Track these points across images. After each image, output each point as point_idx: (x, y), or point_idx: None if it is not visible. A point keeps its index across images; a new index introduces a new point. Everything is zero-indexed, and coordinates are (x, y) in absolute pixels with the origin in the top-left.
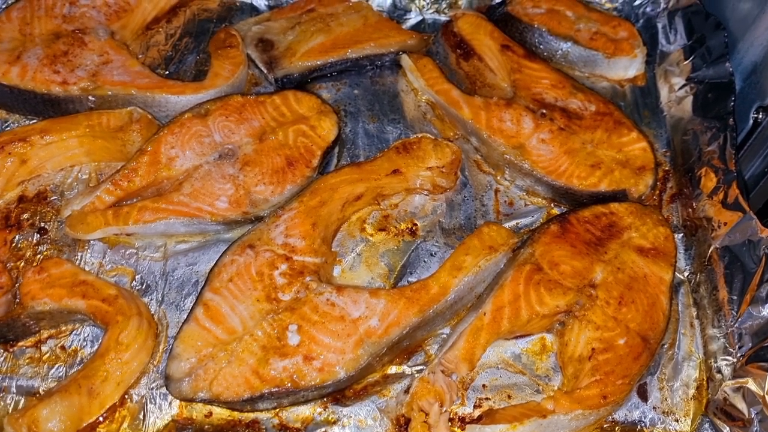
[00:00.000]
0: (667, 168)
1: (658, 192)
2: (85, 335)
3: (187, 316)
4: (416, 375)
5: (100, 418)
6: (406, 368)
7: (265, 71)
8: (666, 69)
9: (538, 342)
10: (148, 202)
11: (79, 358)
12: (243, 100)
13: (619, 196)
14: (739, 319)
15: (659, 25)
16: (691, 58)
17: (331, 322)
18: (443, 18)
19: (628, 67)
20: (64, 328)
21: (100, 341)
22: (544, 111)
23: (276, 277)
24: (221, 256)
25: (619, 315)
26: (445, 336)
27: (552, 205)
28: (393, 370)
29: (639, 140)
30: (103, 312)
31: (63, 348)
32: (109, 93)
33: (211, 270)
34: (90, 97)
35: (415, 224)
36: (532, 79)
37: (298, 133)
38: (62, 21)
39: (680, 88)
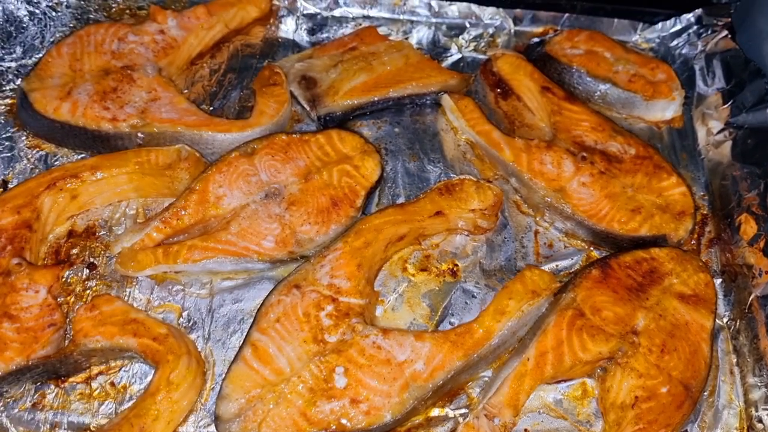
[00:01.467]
0: (705, 212)
1: (696, 236)
2: (134, 371)
3: (236, 356)
4: (459, 418)
5: None
6: (449, 411)
7: (308, 108)
8: (704, 112)
9: (579, 387)
10: (197, 240)
11: (128, 395)
12: (288, 139)
13: (659, 240)
14: None
15: (696, 67)
16: (729, 103)
17: (377, 365)
18: (482, 57)
19: (665, 109)
20: (113, 365)
21: (149, 378)
22: (585, 154)
23: (322, 318)
24: (268, 295)
25: (662, 363)
26: (487, 379)
27: (591, 248)
28: (436, 412)
29: (678, 185)
30: (154, 351)
31: (113, 384)
32: (157, 130)
33: (258, 310)
34: (139, 134)
35: (456, 265)
36: (572, 122)
37: (343, 173)
38: (111, 57)
39: (718, 132)
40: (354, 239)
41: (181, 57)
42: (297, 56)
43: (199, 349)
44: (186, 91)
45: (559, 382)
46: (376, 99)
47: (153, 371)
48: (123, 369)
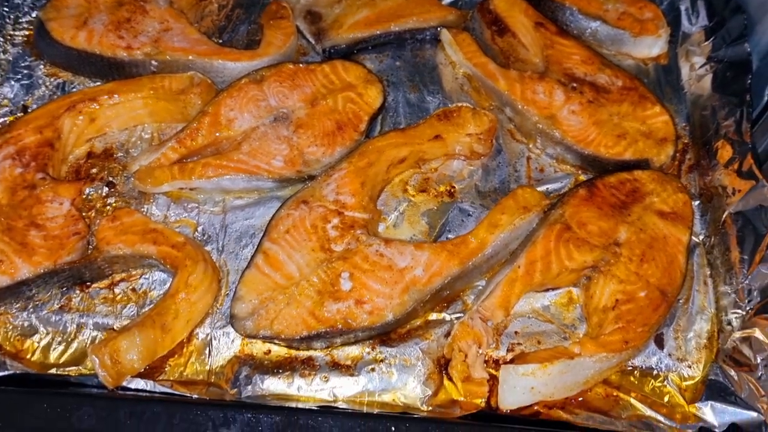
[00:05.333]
0: (686, 141)
1: (677, 163)
2: (154, 279)
3: (248, 263)
4: (455, 321)
5: (170, 352)
6: (446, 315)
7: (313, 42)
8: (688, 49)
9: (566, 295)
10: (211, 159)
11: (148, 299)
12: (295, 68)
13: (642, 164)
14: (749, 277)
15: (682, 7)
16: (711, 39)
17: (380, 270)
18: None
19: (652, 46)
20: (134, 272)
21: (168, 284)
22: (575, 85)
23: (329, 230)
24: (278, 210)
25: (641, 270)
26: (481, 288)
27: (579, 172)
28: (434, 316)
29: (662, 114)
30: (173, 257)
31: (134, 290)
32: (169, 58)
33: (269, 223)
34: (152, 62)
35: (453, 187)
36: (563, 55)
37: (347, 100)
38: None
39: (701, 67)
40: (358, 159)
41: None
42: None
43: (214, 260)
44: (196, 24)
45: (547, 290)
46: (378, 33)
47: (171, 278)
48: (143, 276)
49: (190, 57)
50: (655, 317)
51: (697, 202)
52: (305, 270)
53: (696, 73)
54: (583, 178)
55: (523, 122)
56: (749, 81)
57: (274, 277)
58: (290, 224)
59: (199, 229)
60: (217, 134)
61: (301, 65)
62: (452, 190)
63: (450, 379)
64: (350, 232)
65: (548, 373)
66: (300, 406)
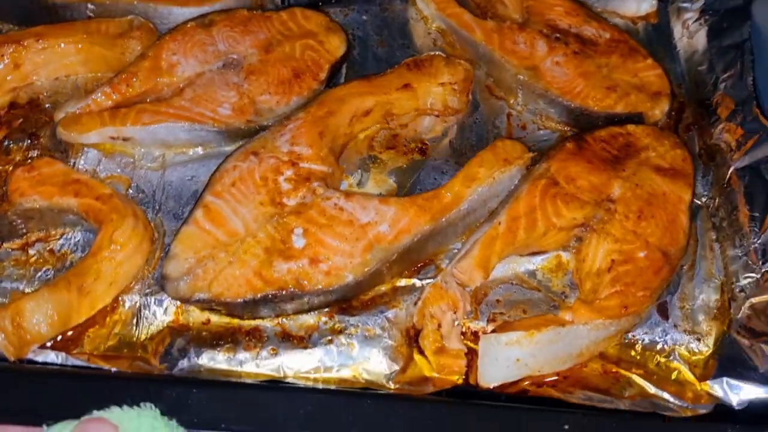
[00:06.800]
0: (682, 99)
1: (673, 123)
2: (76, 240)
3: (186, 218)
4: (427, 288)
5: (90, 321)
6: (416, 281)
7: None
8: (679, 6)
9: (554, 260)
10: (148, 104)
11: (68, 262)
12: (249, 14)
13: (635, 119)
14: (763, 235)
15: None
16: None
17: (339, 225)
18: None
19: (641, 2)
20: (53, 232)
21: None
22: (558, 35)
23: (281, 182)
24: (222, 162)
25: (639, 229)
26: (456, 251)
27: (566, 129)
28: (402, 282)
29: (654, 67)
30: (96, 210)
31: (52, 252)
32: (108, 2)
33: (212, 175)
34: (89, 5)
35: (425, 144)
36: (545, 6)
37: (306, 47)
38: None
39: (694, 22)
40: (317, 109)
41: None
42: None
43: (150, 220)
44: None
45: (532, 254)
46: None
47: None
48: (64, 237)
49: (133, 1)
50: (657, 281)
51: (697, 164)
52: (252, 226)
53: (689, 30)
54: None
55: (503, 76)
56: (749, 29)
57: (215, 234)
58: (236, 176)
59: (134, 185)
60: (158, 80)
61: (255, 12)
62: (424, 147)
63: (421, 351)
64: (305, 185)
65: (536, 341)
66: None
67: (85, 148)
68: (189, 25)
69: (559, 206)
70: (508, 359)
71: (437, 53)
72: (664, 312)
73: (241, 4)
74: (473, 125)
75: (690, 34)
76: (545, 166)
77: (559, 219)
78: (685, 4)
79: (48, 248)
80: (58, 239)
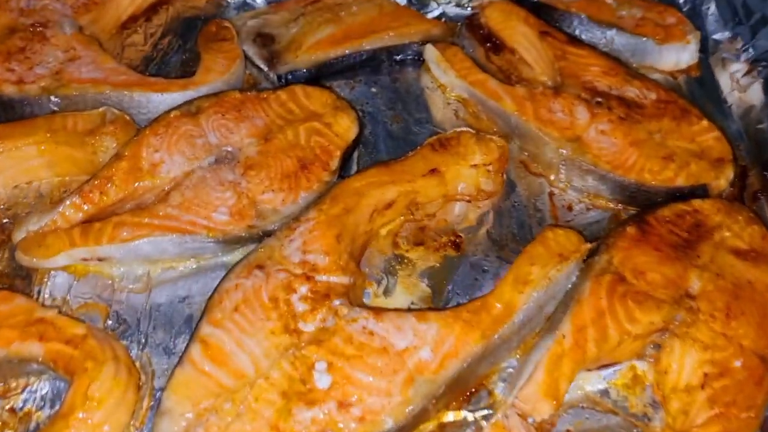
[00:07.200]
0: (743, 163)
1: (737, 191)
2: (43, 392)
3: (180, 359)
4: (481, 421)
5: None
6: (467, 414)
7: (266, 69)
8: (722, 56)
9: (628, 372)
10: (127, 216)
11: (33, 424)
12: (242, 97)
13: (698, 192)
14: None
15: (707, 11)
16: (752, 41)
17: (370, 355)
18: (465, 12)
19: (680, 55)
20: (14, 384)
21: (63, 398)
22: (600, 100)
23: (295, 303)
24: (221, 281)
25: (729, 330)
26: (512, 370)
27: (619, 207)
28: (450, 417)
29: (711, 129)
30: (67, 358)
31: (12, 411)
32: (76, 93)
33: (210, 298)
34: (52, 98)
35: (459, 236)
36: (579, 66)
37: (312, 132)
38: (19, 15)
39: (744, 75)
40: (330, 206)
41: (108, 16)
42: (250, 13)
43: (134, 358)
44: (116, 57)
45: (601, 368)
46: (347, 53)
47: (68, 387)
48: (27, 389)
49: (104, 90)
50: (762, 395)
51: None
52: (263, 363)
53: (739, 82)
54: (624, 216)
55: (540, 150)
56: None
57: (217, 377)
58: (240, 298)
59: (113, 314)
60: (138, 184)
61: (249, 93)
62: (458, 241)
63: None
64: (325, 304)
65: None
66: None
67: (52, 272)
68: (172, 115)
69: (631, 308)
70: None
71: (465, 129)
72: None
73: (230, 86)
74: (511, 210)
75: (741, 88)
76: (606, 257)
77: (634, 325)
78: (728, 55)
79: (8, 406)
80: (20, 393)
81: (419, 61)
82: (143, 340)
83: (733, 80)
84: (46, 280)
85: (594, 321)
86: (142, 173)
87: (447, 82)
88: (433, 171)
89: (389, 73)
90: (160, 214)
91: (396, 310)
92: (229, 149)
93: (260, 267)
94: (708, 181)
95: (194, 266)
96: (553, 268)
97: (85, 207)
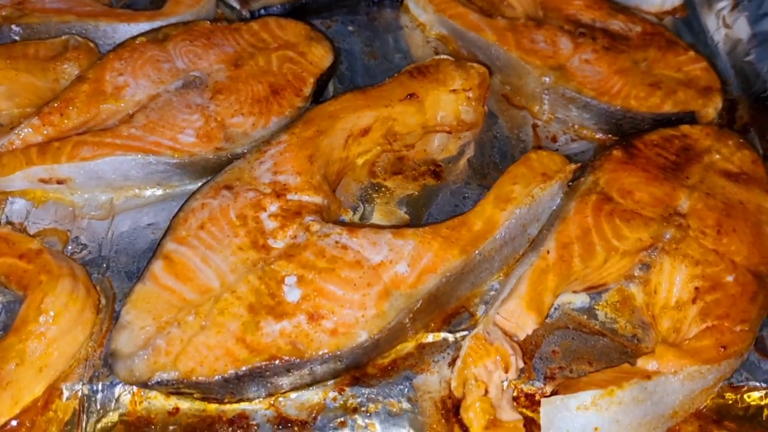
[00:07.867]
0: (731, 96)
1: (726, 123)
2: None
3: (141, 274)
4: (462, 342)
5: (14, 422)
6: (447, 335)
7: (237, 6)
8: None
9: (616, 294)
10: (88, 135)
11: None
12: (212, 26)
13: (686, 120)
14: None
15: None
16: None
17: (343, 268)
18: None
19: None
20: None
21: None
22: (583, 30)
23: (264, 220)
24: (186, 201)
25: (721, 247)
26: (494, 293)
27: (605, 137)
28: (430, 338)
29: (698, 59)
30: (21, 272)
31: None
32: (38, 22)
33: (174, 216)
34: (14, 27)
35: (439, 166)
36: (562, 0)
37: (284, 59)
38: None
39: (731, 11)
40: (303, 129)
41: None
42: None
43: (94, 282)
44: None
45: (589, 290)
46: None
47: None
48: None
49: (69, 18)
50: (755, 310)
51: None
52: (229, 278)
53: (725, 20)
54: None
55: (523, 81)
56: None
57: (180, 291)
58: (206, 217)
59: (73, 239)
60: (101, 107)
61: (220, 23)
62: (437, 170)
63: (465, 429)
64: (296, 221)
65: (618, 402)
66: None
67: (10, 198)
68: (138, 41)
69: (618, 225)
70: (583, 429)
71: (444, 57)
72: (763, 349)
73: (200, 18)
74: (494, 141)
75: (729, 23)
76: (592, 179)
77: (622, 242)
78: None
79: None
80: None
81: (398, 1)
82: (104, 265)
83: (720, 18)
84: (2, 205)
85: (579, 238)
86: (105, 96)
87: (426, 19)
88: (411, 96)
89: (366, 13)
90: (124, 134)
91: (371, 225)
92: (197, 74)
93: (228, 187)
94: (696, 108)
95: (160, 193)
96: (536, 186)
97: (45, 129)
